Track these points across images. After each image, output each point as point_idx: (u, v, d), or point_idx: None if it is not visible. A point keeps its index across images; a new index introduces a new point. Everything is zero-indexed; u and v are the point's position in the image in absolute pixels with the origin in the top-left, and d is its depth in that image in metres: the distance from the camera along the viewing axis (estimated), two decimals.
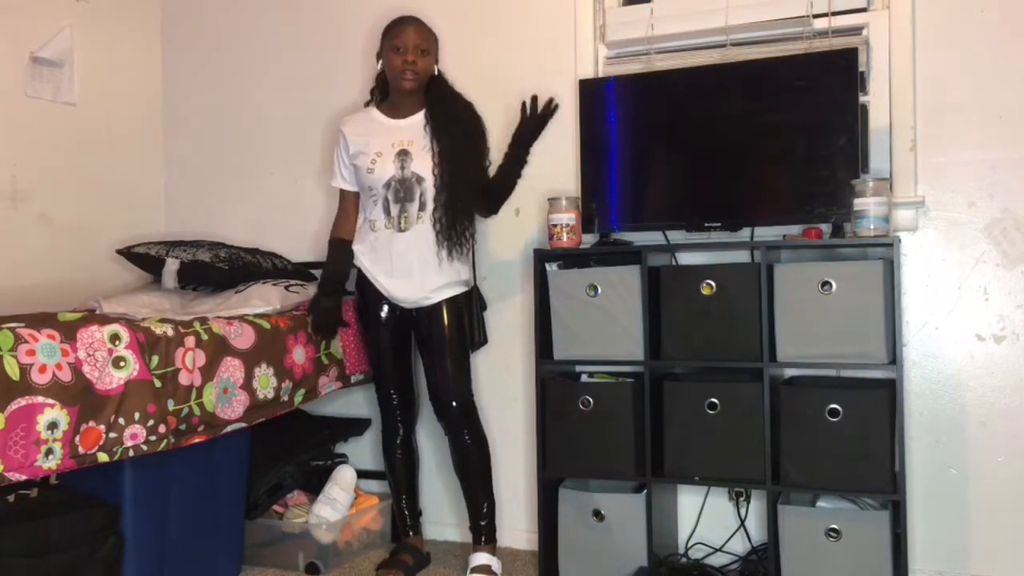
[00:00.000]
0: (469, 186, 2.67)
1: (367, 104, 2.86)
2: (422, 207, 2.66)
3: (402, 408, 2.83)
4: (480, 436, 2.73)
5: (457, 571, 2.80)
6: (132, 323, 2.26)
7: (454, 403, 2.68)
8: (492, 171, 2.78)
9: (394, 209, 2.68)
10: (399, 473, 2.87)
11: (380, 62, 2.76)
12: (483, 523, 2.74)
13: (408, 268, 2.68)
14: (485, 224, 2.98)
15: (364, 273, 2.75)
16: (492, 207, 2.82)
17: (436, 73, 2.75)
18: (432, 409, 2.73)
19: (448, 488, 3.10)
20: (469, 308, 2.76)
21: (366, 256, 2.74)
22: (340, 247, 2.79)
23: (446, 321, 2.69)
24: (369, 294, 2.76)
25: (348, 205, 2.82)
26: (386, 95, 2.80)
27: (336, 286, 2.79)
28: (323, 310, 2.76)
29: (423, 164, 2.66)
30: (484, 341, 2.84)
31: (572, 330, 2.63)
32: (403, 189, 2.68)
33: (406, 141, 2.70)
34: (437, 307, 2.69)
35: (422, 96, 2.72)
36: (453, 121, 2.70)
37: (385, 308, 2.75)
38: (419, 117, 2.71)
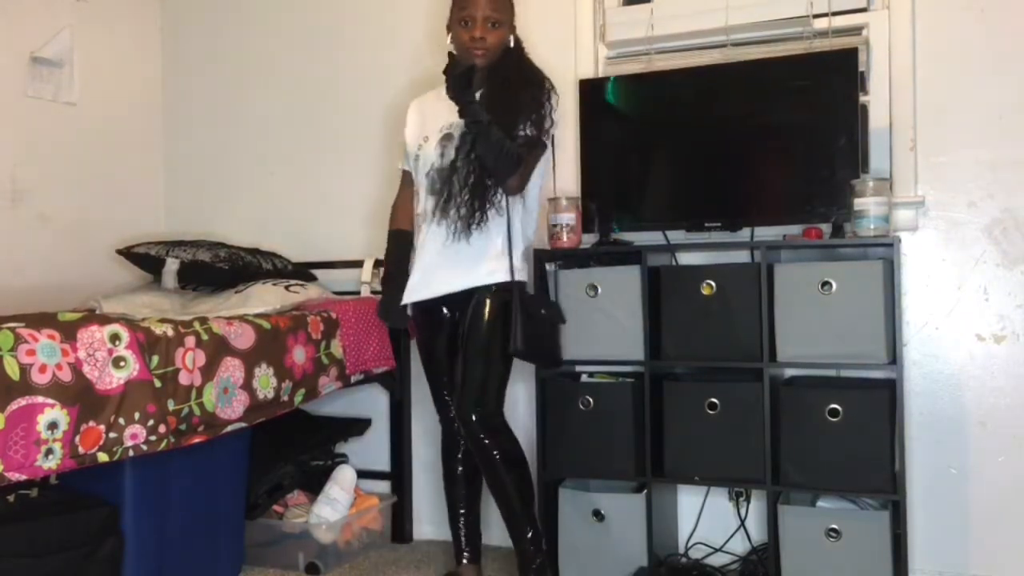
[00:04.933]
0: (494, 153, 2.24)
1: None
2: (450, 198, 2.34)
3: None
4: (510, 456, 2.37)
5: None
6: (132, 323, 2.26)
7: (472, 417, 2.33)
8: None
9: (428, 202, 2.39)
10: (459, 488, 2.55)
11: (449, 35, 2.40)
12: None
13: (427, 265, 2.40)
14: None
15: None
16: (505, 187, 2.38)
17: (511, 44, 2.39)
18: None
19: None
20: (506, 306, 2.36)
21: (416, 253, 2.45)
22: (398, 238, 2.51)
23: (473, 315, 2.36)
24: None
25: (406, 187, 2.54)
26: None
27: (400, 284, 2.46)
28: (388, 314, 2.53)
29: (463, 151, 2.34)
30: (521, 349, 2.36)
31: (572, 330, 2.63)
32: (439, 179, 2.37)
33: (454, 124, 2.36)
34: (467, 297, 2.37)
35: None
36: (502, 93, 2.32)
37: (444, 308, 2.47)
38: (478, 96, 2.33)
